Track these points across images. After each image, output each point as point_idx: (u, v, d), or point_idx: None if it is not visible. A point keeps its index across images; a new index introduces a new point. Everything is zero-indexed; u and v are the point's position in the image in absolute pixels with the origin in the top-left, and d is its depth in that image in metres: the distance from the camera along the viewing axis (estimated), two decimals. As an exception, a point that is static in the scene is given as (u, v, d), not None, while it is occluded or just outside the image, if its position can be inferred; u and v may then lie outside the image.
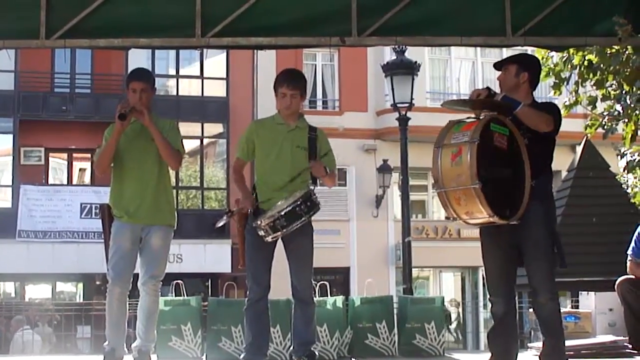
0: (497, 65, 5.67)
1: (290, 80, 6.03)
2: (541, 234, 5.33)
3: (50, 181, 24.59)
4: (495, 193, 5.07)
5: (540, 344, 5.71)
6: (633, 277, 7.62)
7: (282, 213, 5.65)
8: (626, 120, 10.61)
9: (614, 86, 10.42)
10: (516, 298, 5.72)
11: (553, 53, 10.32)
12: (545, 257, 5.33)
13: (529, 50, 9.88)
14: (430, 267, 25.59)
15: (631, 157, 13.21)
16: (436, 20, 6.94)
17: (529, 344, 8.09)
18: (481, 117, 5.23)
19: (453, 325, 22.44)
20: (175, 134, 6.17)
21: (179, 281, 8.66)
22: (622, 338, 7.66)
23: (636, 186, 15.62)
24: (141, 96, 6.05)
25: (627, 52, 9.19)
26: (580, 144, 13.70)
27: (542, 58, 10.19)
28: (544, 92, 16.87)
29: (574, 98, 11.16)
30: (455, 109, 5.58)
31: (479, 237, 5.58)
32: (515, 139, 5.27)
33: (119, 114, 5.92)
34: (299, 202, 5.68)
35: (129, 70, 6.34)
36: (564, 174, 14.06)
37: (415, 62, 16.00)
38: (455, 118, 5.37)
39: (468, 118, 5.34)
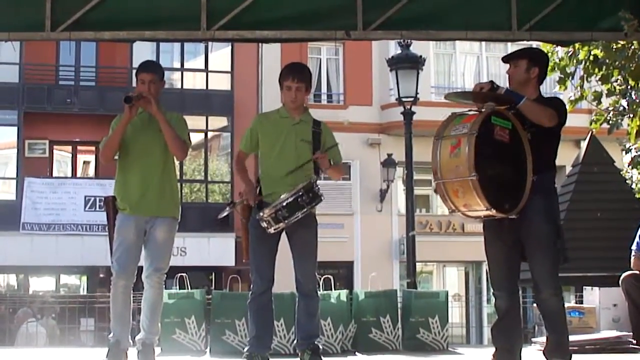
0: (506, 59, 5.65)
1: (296, 73, 6.03)
2: (543, 229, 5.32)
3: (55, 174, 24.59)
4: (494, 186, 5.07)
5: (544, 339, 5.71)
6: (637, 272, 7.62)
7: (284, 204, 5.66)
8: (631, 115, 10.60)
9: (619, 81, 10.41)
10: (520, 293, 5.72)
11: (558, 48, 10.31)
12: (548, 252, 5.32)
13: (534, 45, 9.88)
14: (434, 262, 25.60)
15: (636, 152, 13.20)
16: (441, 15, 6.93)
17: (533, 339, 8.09)
18: (483, 110, 5.23)
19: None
20: (182, 125, 6.20)
21: (183, 274, 8.68)
22: (626, 333, 7.66)
23: (641, 181, 15.59)
24: (150, 87, 6.09)
25: (632, 47, 9.17)
26: (585, 139, 13.71)
27: (548, 53, 10.17)
28: (549, 87, 16.84)
29: (579, 93, 11.15)
30: (458, 102, 5.57)
31: (482, 231, 5.58)
32: (518, 132, 5.27)
33: (125, 97, 5.95)
34: (300, 193, 5.68)
35: (134, 63, 6.36)
36: (568, 169, 14.06)
37: (420, 56, 15.97)
38: (459, 111, 5.37)
39: (470, 111, 5.33)
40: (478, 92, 5.36)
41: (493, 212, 5.11)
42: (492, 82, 5.43)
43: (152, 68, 6.31)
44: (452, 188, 5.15)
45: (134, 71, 6.61)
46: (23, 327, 15.08)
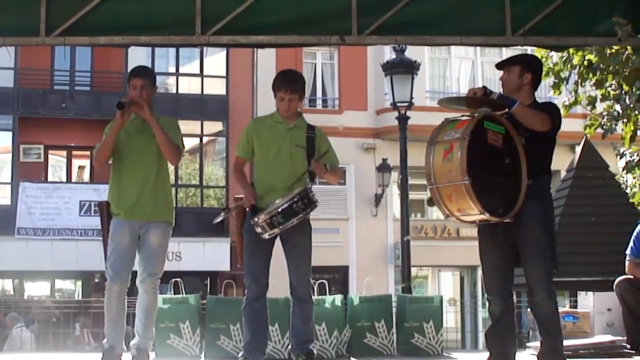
0: (499, 66, 5.67)
1: (288, 84, 6.03)
2: (538, 233, 5.33)
3: (50, 178, 24.59)
4: (487, 190, 5.07)
5: (538, 344, 5.71)
6: (632, 277, 7.62)
7: (279, 210, 5.67)
8: (625, 120, 10.61)
9: (613, 86, 10.43)
10: (514, 297, 5.73)
11: (553, 53, 10.32)
12: (542, 257, 5.33)
13: (529, 49, 9.90)
14: (429, 266, 25.59)
15: (630, 157, 13.22)
16: (436, 20, 6.93)
17: (527, 344, 8.08)
18: (476, 115, 5.24)
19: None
20: (175, 130, 6.20)
21: (177, 279, 8.66)
22: (620, 338, 7.66)
23: (635, 186, 15.61)
24: (141, 92, 6.10)
25: (626, 52, 9.19)
26: (579, 144, 13.72)
27: (542, 58, 10.19)
28: (543, 92, 16.85)
29: (574, 98, 11.16)
30: (451, 108, 5.59)
31: (477, 236, 5.59)
32: (512, 137, 5.28)
33: (117, 102, 5.96)
34: (296, 199, 5.69)
35: (129, 68, 6.37)
36: (563, 173, 14.08)
37: (415, 61, 16.00)
38: (452, 117, 5.39)
39: (463, 116, 5.34)
40: (471, 98, 5.37)
41: (487, 216, 5.11)
42: (485, 87, 5.44)
43: (144, 73, 6.31)
44: (446, 193, 5.16)
45: (129, 76, 6.62)
46: (14, 331, 15.03)
